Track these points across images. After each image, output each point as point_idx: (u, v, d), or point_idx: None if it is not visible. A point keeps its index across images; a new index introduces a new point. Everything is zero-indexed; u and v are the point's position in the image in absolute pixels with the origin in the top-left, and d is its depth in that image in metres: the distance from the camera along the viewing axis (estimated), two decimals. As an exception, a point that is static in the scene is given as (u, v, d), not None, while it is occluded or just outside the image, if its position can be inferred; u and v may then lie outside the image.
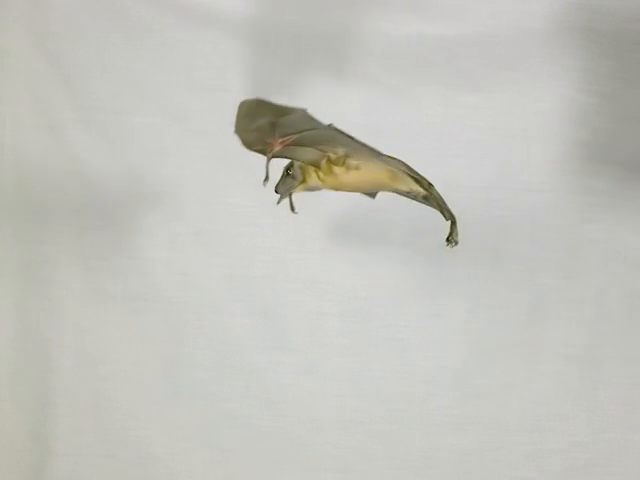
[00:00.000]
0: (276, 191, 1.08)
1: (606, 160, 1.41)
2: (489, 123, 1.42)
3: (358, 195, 1.42)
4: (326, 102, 1.41)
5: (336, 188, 1.09)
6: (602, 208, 1.41)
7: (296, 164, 1.08)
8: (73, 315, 1.44)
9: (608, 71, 1.40)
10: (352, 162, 1.07)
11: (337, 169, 1.07)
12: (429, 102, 1.42)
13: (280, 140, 1.05)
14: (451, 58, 1.41)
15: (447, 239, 1.09)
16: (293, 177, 1.08)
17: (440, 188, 1.40)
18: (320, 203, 1.41)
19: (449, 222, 1.09)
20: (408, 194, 1.11)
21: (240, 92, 1.40)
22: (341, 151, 1.07)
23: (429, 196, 1.10)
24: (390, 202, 1.41)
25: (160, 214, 1.42)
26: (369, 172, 1.08)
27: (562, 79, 1.41)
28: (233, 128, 1.09)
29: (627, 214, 1.42)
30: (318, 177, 1.08)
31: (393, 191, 1.11)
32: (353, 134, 1.40)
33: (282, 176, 1.08)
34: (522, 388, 1.43)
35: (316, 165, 1.07)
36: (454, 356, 1.42)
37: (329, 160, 1.07)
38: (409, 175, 1.09)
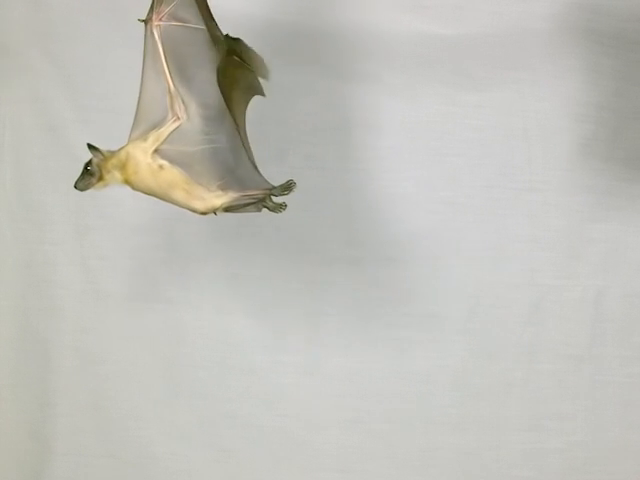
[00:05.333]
0: (75, 187, 1.05)
1: (607, 159, 1.41)
2: (490, 122, 1.42)
3: (359, 196, 1.42)
4: (326, 102, 1.41)
5: (132, 182, 1.03)
6: (602, 207, 1.41)
7: (94, 161, 1.04)
8: (73, 315, 1.44)
9: (609, 70, 1.40)
10: (160, 160, 1.02)
11: (142, 155, 1.02)
12: (430, 101, 1.42)
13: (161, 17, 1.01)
14: (451, 57, 1.41)
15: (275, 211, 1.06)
16: (91, 174, 1.04)
17: (441, 187, 1.42)
18: (319, 202, 1.42)
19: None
20: (204, 214, 1.04)
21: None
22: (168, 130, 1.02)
23: (230, 206, 1.04)
24: (389, 201, 1.42)
25: (159, 214, 1.42)
26: (170, 176, 1.02)
27: (563, 78, 1.40)
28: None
29: (628, 214, 1.42)
30: (120, 165, 1.03)
31: (190, 208, 1.05)
32: (354, 133, 1.43)
33: (82, 172, 1.05)
34: (521, 388, 1.43)
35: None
36: (454, 356, 1.43)
37: (145, 139, 1.01)
38: (210, 188, 1.03)
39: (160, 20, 1.00)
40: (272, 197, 1.06)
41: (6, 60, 1.41)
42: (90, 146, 1.04)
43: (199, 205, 1.03)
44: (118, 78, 1.40)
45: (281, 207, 1.06)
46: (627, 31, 1.40)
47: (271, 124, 1.40)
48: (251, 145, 1.41)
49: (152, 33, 1.00)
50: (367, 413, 1.43)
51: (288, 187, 1.05)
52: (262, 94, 1.16)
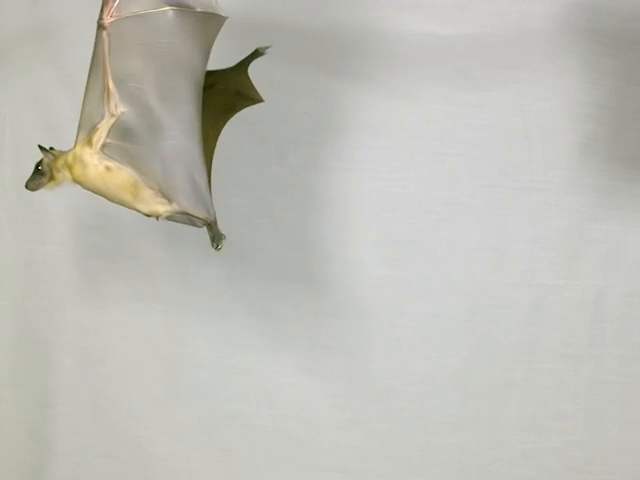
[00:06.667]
0: (26, 187, 1.06)
1: (607, 159, 1.41)
2: (490, 122, 1.42)
3: (359, 196, 1.42)
4: (326, 102, 1.41)
5: (81, 182, 1.04)
6: (603, 207, 1.41)
7: (45, 161, 1.04)
8: (73, 315, 1.44)
9: (609, 70, 1.40)
10: (106, 161, 1.01)
11: (89, 156, 1.01)
12: (430, 101, 1.42)
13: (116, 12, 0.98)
14: (452, 57, 1.41)
15: (212, 243, 1.07)
16: (42, 174, 1.05)
17: (441, 187, 1.42)
18: (321, 202, 1.42)
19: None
20: (149, 216, 1.04)
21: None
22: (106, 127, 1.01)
23: (172, 216, 1.05)
24: (389, 201, 1.42)
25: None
26: (117, 178, 1.02)
27: (563, 78, 1.41)
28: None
29: (628, 213, 1.42)
30: (67, 166, 1.03)
31: (136, 210, 1.04)
32: (354, 132, 1.43)
33: (33, 172, 1.05)
34: (521, 387, 1.43)
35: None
36: (454, 356, 1.43)
37: (89, 140, 1.01)
38: (157, 194, 1.02)
39: (110, 17, 0.97)
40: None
41: (6, 60, 1.41)
42: (41, 147, 1.04)
43: (142, 208, 1.03)
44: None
45: (215, 242, 1.07)
46: (627, 31, 1.40)
47: (271, 124, 1.40)
48: (251, 145, 1.42)
49: (100, 33, 0.98)
50: (367, 413, 1.43)
51: (217, 240, 1.06)
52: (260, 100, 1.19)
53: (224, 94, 1.14)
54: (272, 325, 1.43)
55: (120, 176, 1.01)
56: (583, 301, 1.42)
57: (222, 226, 1.40)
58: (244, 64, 1.17)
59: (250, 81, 1.18)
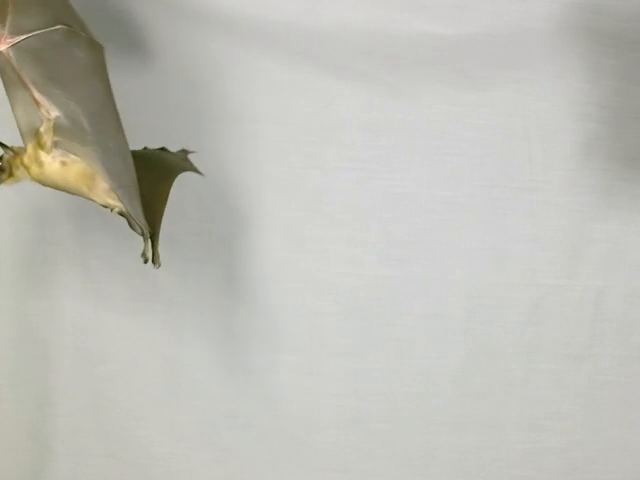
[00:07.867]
0: None
1: (608, 159, 1.41)
2: (490, 122, 1.41)
3: (359, 196, 1.42)
4: (326, 102, 1.41)
5: (40, 180, 1.06)
6: (603, 207, 1.41)
7: (5, 157, 1.05)
8: (73, 315, 1.43)
9: (609, 70, 1.40)
10: (60, 157, 1.04)
11: (44, 156, 1.04)
12: (430, 100, 1.41)
13: (9, 38, 0.98)
14: (452, 57, 1.41)
15: (142, 254, 1.11)
16: (2, 170, 1.06)
17: (441, 187, 1.42)
18: (320, 202, 1.42)
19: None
20: (105, 207, 1.08)
21: (240, 92, 1.40)
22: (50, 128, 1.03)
23: (123, 214, 1.08)
24: (390, 201, 1.42)
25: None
26: (73, 170, 1.04)
27: (563, 78, 1.40)
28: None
29: (629, 213, 1.41)
30: (24, 167, 1.05)
31: (92, 201, 1.08)
32: (354, 132, 1.43)
33: None
34: (521, 387, 1.43)
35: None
36: (454, 356, 1.43)
37: (39, 143, 1.03)
38: (111, 188, 1.05)
39: (6, 42, 0.97)
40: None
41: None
42: (1, 143, 1.05)
43: (97, 199, 1.07)
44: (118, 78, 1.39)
45: (143, 256, 1.10)
46: (627, 31, 1.39)
47: (271, 124, 1.40)
48: (250, 145, 1.42)
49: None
50: (367, 413, 1.43)
51: (144, 255, 1.11)
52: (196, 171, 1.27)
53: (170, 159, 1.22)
54: (272, 325, 1.43)
55: (76, 168, 1.04)
56: (583, 301, 1.42)
57: (222, 224, 1.42)
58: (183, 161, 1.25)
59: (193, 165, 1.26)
